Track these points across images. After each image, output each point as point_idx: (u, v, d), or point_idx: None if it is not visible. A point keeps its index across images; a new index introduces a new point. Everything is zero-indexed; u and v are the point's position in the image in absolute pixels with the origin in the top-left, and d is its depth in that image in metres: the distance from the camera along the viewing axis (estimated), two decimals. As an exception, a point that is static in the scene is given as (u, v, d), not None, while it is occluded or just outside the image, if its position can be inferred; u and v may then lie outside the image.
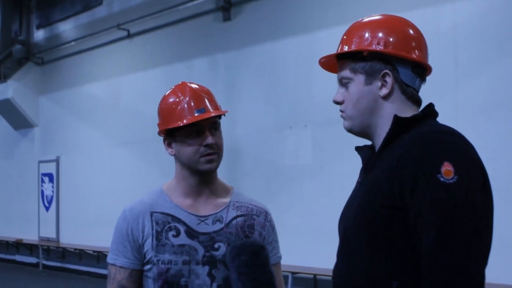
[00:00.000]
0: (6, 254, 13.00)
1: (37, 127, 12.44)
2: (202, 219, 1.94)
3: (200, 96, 1.95)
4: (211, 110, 1.93)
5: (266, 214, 2.04)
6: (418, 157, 1.40)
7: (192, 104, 1.92)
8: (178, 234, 1.91)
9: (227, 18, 8.53)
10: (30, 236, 12.27)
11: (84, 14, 11.30)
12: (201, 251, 1.90)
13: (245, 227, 1.97)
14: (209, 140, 1.90)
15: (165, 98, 1.99)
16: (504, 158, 5.56)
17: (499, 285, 5.21)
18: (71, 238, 11.27)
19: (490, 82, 5.82)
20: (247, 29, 8.29)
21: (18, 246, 12.59)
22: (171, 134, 1.95)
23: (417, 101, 1.58)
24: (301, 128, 7.54)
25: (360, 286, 1.46)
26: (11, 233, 12.66)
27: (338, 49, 1.61)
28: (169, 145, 1.97)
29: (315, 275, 7.25)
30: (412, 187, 1.39)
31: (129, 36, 10.25)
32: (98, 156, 10.77)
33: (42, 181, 12.16)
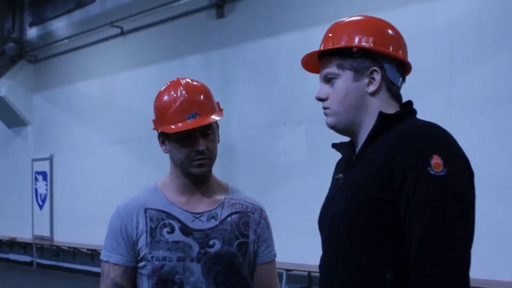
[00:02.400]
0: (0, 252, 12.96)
1: (31, 125, 12.39)
2: (197, 216, 1.92)
3: (193, 98, 1.88)
4: (204, 114, 1.87)
5: (261, 211, 2.03)
6: (408, 150, 1.42)
7: (183, 108, 1.86)
8: (172, 230, 1.89)
9: (220, 15, 8.51)
10: (24, 234, 12.22)
11: (77, 12, 11.24)
12: (196, 248, 1.88)
13: (240, 225, 1.95)
14: (200, 146, 1.86)
15: (159, 95, 1.95)
16: (498, 153, 5.56)
17: (499, 282, 5.22)
18: (65, 237, 11.23)
19: (485, 78, 5.83)
20: (241, 26, 8.28)
21: (12, 244, 12.55)
22: (165, 133, 1.91)
23: (399, 99, 1.62)
24: (295, 125, 7.54)
25: (354, 280, 1.47)
26: (5, 232, 12.61)
27: (321, 47, 1.64)
28: (163, 142, 1.94)
29: (309, 272, 7.26)
30: (402, 180, 1.41)
31: (123, 33, 10.21)
32: (92, 154, 10.73)
33: (36, 179, 12.12)
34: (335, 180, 1.66)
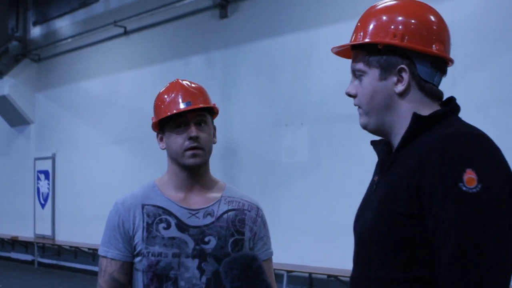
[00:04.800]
0: (1, 251, 12.96)
1: (33, 124, 12.41)
2: (193, 212, 1.94)
3: (188, 91, 1.97)
4: (198, 104, 1.95)
5: (258, 209, 2.05)
6: (438, 163, 1.29)
7: (179, 97, 1.95)
8: (168, 226, 1.92)
9: (224, 16, 8.52)
10: (25, 233, 12.23)
11: (81, 11, 11.25)
12: (191, 244, 1.91)
13: (236, 222, 1.97)
14: (193, 132, 1.91)
15: (158, 94, 2.04)
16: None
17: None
18: (66, 236, 11.24)
19: (487, 80, 5.83)
20: (244, 27, 8.28)
21: (14, 243, 12.55)
22: (162, 128, 1.98)
23: (437, 97, 1.46)
24: (297, 126, 7.53)
25: None
26: (7, 230, 12.62)
27: (352, 38, 1.49)
28: (161, 139, 2.00)
29: (310, 273, 7.24)
30: (430, 196, 1.29)
31: (126, 33, 10.22)
32: (94, 153, 10.74)
33: (38, 178, 12.12)
34: (371, 182, 1.52)
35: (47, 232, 11.74)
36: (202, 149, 1.93)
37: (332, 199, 6.81)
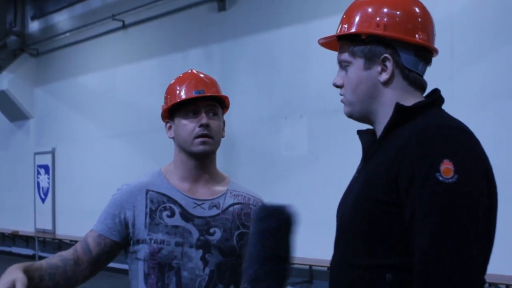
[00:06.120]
0: (2, 246, 12.98)
1: (32, 119, 12.39)
2: (199, 203, 1.93)
3: (202, 79, 1.97)
4: (211, 92, 1.95)
5: None
6: (416, 153, 1.30)
7: (192, 85, 1.94)
8: (172, 215, 1.89)
9: (222, 8, 8.49)
10: (26, 227, 12.25)
11: (79, 5, 11.22)
12: (195, 234, 1.88)
13: (242, 215, 1.96)
14: (204, 120, 1.90)
15: (171, 83, 2.03)
16: (500, 148, 5.55)
17: (499, 275, 5.22)
18: (67, 230, 11.25)
19: (486, 72, 5.82)
20: (242, 19, 8.26)
21: (14, 237, 12.57)
22: (171, 117, 1.97)
23: (421, 87, 1.48)
24: (296, 118, 7.53)
25: (356, 278, 1.40)
26: (7, 225, 12.63)
27: (338, 29, 1.51)
28: (170, 128, 1.99)
29: (310, 266, 7.26)
30: (408, 184, 1.30)
31: (124, 27, 10.19)
32: (93, 147, 10.74)
33: (38, 172, 12.13)
34: (356, 171, 1.54)
35: (48, 226, 11.76)
36: (211, 138, 1.92)
37: (332, 192, 6.78)
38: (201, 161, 1.95)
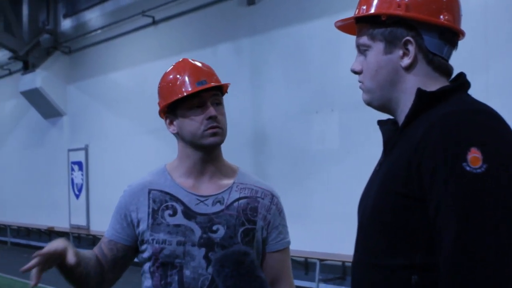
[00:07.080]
0: (38, 241, 13.19)
1: (66, 116, 12.55)
2: (202, 199, 1.86)
3: (200, 69, 1.89)
4: (213, 81, 1.87)
5: (272, 196, 1.93)
6: (441, 141, 1.19)
7: (192, 76, 1.86)
8: (174, 213, 1.84)
9: (251, 2, 8.44)
10: (61, 223, 12.43)
11: (110, 2, 11.31)
12: (198, 232, 1.82)
13: (248, 210, 1.87)
14: (212, 111, 1.83)
15: (164, 75, 1.95)
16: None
17: None
18: (101, 226, 11.36)
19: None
20: (272, 13, 8.18)
21: (50, 233, 12.77)
22: (172, 111, 1.89)
23: (446, 72, 1.36)
24: (327, 112, 7.43)
25: (378, 279, 1.29)
26: (43, 221, 12.84)
27: (356, 11, 1.41)
28: (170, 123, 1.92)
29: (343, 262, 7.17)
30: (431, 177, 1.19)
31: (154, 23, 10.23)
32: (125, 143, 10.82)
33: (72, 169, 12.28)
34: (377, 164, 1.43)
35: (82, 222, 11.90)
36: (221, 129, 1.86)
37: (363, 187, 6.71)
38: (209, 154, 1.88)
